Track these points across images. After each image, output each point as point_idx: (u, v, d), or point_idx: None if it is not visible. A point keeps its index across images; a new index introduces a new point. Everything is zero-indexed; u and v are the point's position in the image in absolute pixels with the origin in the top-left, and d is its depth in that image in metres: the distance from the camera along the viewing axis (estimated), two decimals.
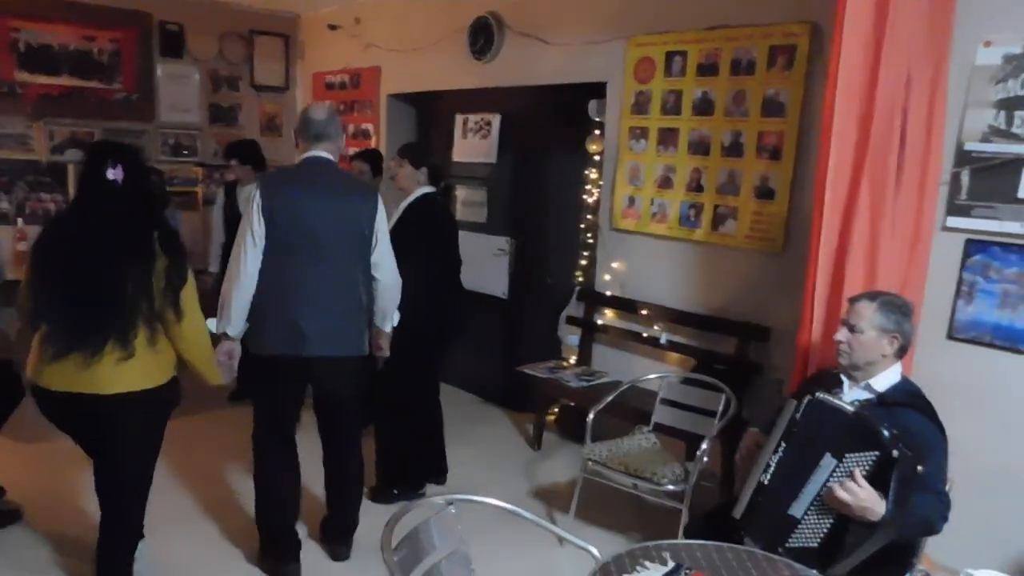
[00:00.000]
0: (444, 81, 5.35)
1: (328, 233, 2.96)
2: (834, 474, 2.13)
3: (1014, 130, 2.92)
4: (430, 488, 3.92)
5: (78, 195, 2.69)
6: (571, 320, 4.65)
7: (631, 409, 3.83)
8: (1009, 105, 2.93)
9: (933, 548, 2.60)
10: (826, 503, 2.13)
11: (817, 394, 2.31)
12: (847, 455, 2.13)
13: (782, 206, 3.66)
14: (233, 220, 4.86)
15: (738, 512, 2.33)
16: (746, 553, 2.03)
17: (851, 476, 2.07)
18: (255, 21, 6.53)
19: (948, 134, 2.97)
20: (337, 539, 3.27)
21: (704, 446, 3.12)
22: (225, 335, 2.97)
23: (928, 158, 2.88)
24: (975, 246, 3.03)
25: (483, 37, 4.96)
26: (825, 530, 2.13)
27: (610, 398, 3.58)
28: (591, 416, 3.47)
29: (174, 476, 3.92)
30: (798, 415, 2.31)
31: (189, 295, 2.62)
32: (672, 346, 4.13)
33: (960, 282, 3.06)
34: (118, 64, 6.02)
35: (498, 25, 4.89)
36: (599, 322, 4.54)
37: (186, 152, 6.40)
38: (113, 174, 2.52)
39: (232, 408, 4.77)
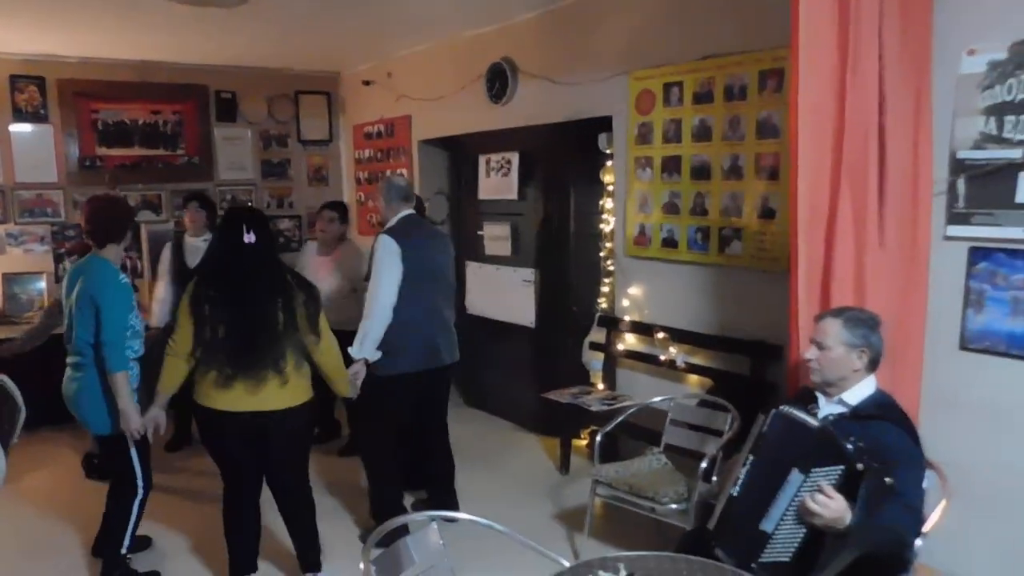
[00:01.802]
0: (467, 125, 5.63)
1: (439, 268, 3.87)
2: (802, 488, 2.18)
3: (1005, 135, 2.91)
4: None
5: (220, 257, 3.16)
6: (594, 346, 4.78)
7: (647, 431, 3.93)
8: (998, 111, 2.92)
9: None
10: (798, 517, 2.17)
11: (782, 407, 2.39)
12: (813, 470, 2.17)
13: (783, 225, 3.72)
14: (182, 272, 4.85)
15: (711, 524, 2.43)
16: (699, 564, 2.13)
17: (820, 489, 2.10)
18: (300, 82, 7.01)
19: (939, 143, 2.98)
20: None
21: (703, 464, 3.20)
22: (365, 361, 3.63)
23: (918, 169, 2.92)
24: (979, 254, 2.99)
25: (499, 82, 5.22)
26: (797, 544, 2.17)
27: (618, 420, 3.70)
28: (599, 438, 3.60)
29: None
30: (764, 429, 2.41)
31: (323, 320, 3.22)
32: (689, 368, 4.22)
33: (968, 291, 3.00)
34: (181, 132, 6.58)
35: (511, 69, 5.14)
36: (620, 347, 4.66)
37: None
38: (249, 238, 3.06)
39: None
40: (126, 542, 3.38)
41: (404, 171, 6.37)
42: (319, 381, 3.31)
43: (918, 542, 2.34)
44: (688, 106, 4.09)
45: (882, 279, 2.89)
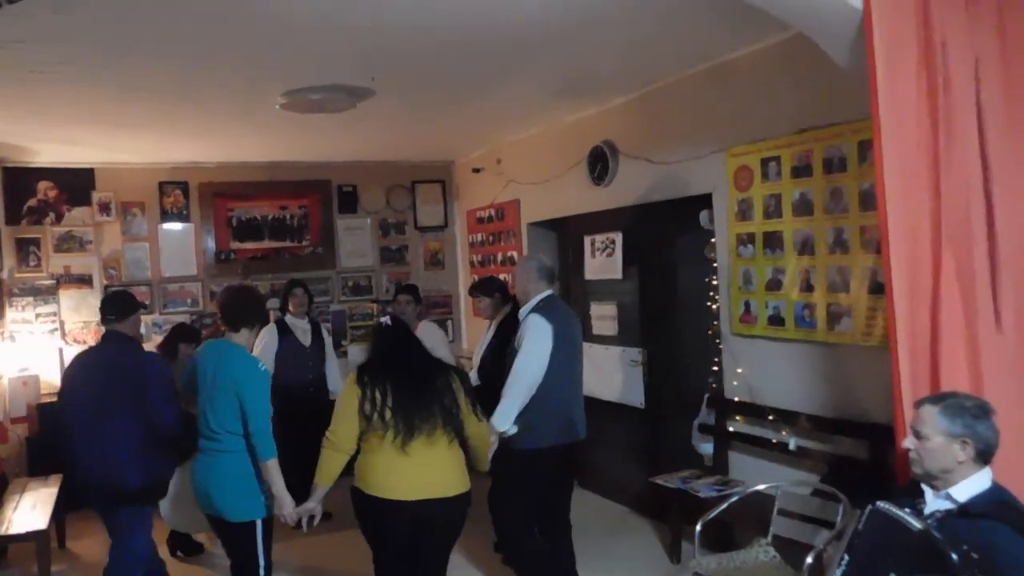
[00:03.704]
0: (571, 207, 5.72)
1: (578, 346, 4.02)
2: None
3: None
4: None
5: (376, 348, 3.40)
6: (704, 428, 4.61)
7: (756, 519, 3.71)
8: None
9: None
10: None
11: (878, 503, 2.23)
12: None
13: None
14: (292, 345, 5.42)
15: None
16: None
17: None
18: (415, 172, 7.40)
19: None
20: None
21: (808, 559, 2.98)
22: (503, 433, 3.72)
23: None
24: None
25: (600, 164, 5.30)
26: None
27: (720, 508, 3.52)
28: (699, 527, 3.44)
29: None
30: (860, 526, 2.25)
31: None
32: (803, 452, 3.98)
33: None
34: (306, 225, 7.06)
35: (611, 152, 5.21)
36: (731, 429, 4.47)
37: (369, 291, 7.27)
38: (385, 320, 3.43)
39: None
40: None
41: (514, 253, 6.52)
42: None
43: None
44: (787, 180, 3.99)
45: (1002, 364, 2.64)
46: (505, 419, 3.72)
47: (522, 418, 3.75)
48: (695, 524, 4.63)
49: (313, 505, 3.24)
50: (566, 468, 4.03)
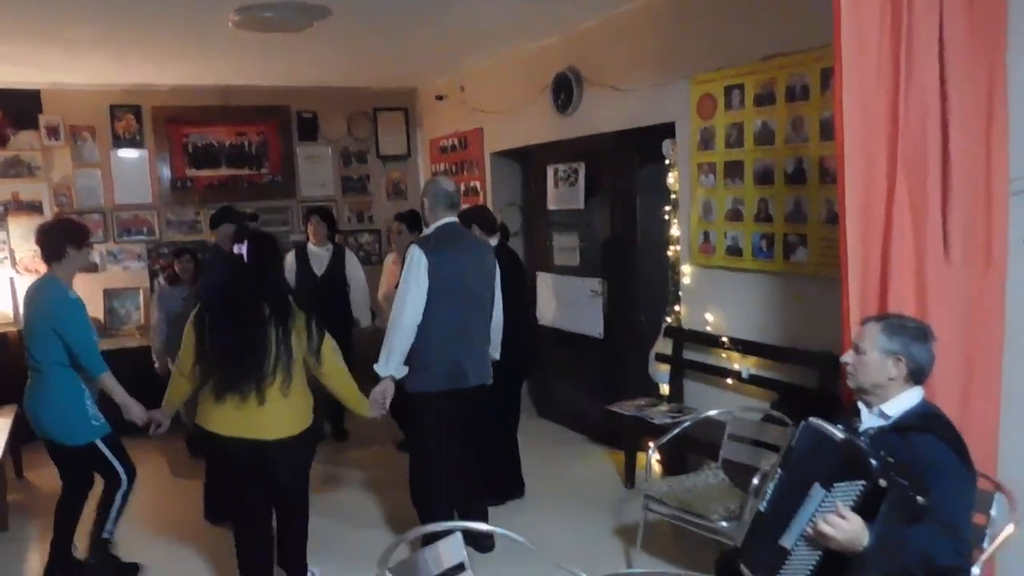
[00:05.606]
0: (535, 136, 5.64)
1: (475, 284, 3.61)
2: (823, 505, 2.06)
3: None
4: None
5: (221, 274, 3.37)
6: (661, 357, 4.67)
7: (708, 445, 3.80)
8: None
9: None
10: (814, 536, 2.06)
11: (810, 419, 2.29)
12: (836, 485, 2.06)
13: None
14: (307, 277, 5.31)
15: (740, 541, 2.34)
16: None
17: (836, 508, 2.00)
18: (377, 99, 7.21)
19: (1018, 136, 2.79)
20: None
21: (755, 480, 3.06)
22: (391, 377, 3.48)
23: (991, 166, 2.73)
24: None
25: (564, 92, 5.21)
26: (813, 564, 2.06)
27: (672, 434, 3.59)
28: (651, 452, 3.52)
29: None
30: (793, 441, 2.31)
31: (327, 345, 3.18)
32: (755, 380, 4.06)
33: None
34: (265, 152, 6.89)
35: (576, 79, 5.12)
36: (687, 358, 4.53)
37: None
38: (239, 248, 3.15)
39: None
40: (109, 527, 3.55)
41: (477, 183, 6.45)
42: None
43: (975, 570, 2.17)
44: (750, 109, 3.96)
45: (947, 292, 2.67)
46: (384, 363, 3.48)
47: (410, 358, 3.51)
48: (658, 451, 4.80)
49: (160, 417, 3.38)
50: (465, 414, 3.65)
